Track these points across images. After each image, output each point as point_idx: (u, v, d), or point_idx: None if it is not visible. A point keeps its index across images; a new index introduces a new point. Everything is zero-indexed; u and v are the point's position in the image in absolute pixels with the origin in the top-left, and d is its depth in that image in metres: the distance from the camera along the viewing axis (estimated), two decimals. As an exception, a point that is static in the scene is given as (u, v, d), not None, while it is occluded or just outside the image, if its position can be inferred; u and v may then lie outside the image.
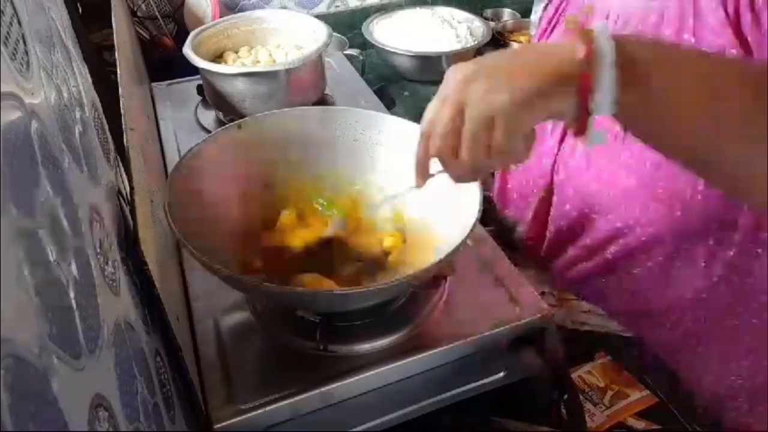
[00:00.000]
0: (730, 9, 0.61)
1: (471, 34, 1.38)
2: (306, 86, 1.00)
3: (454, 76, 0.48)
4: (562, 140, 0.76)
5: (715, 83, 0.47)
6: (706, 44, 0.63)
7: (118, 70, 0.68)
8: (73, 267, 0.33)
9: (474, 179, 0.55)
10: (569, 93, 0.46)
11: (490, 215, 0.90)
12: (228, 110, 0.98)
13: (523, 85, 0.45)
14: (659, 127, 0.49)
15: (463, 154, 0.48)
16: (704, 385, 0.76)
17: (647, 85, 0.45)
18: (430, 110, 0.50)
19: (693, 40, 0.64)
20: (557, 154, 0.77)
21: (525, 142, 0.48)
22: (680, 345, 0.76)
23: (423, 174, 0.54)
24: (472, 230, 0.58)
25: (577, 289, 0.81)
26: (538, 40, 0.86)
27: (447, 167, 0.51)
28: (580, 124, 0.47)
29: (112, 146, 0.63)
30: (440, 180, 0.68)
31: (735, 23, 0.61)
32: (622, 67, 0.44)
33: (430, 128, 0.49)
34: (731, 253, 0.68)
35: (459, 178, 0.52)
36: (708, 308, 0.73)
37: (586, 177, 0.74)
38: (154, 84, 1.11)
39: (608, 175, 0.72)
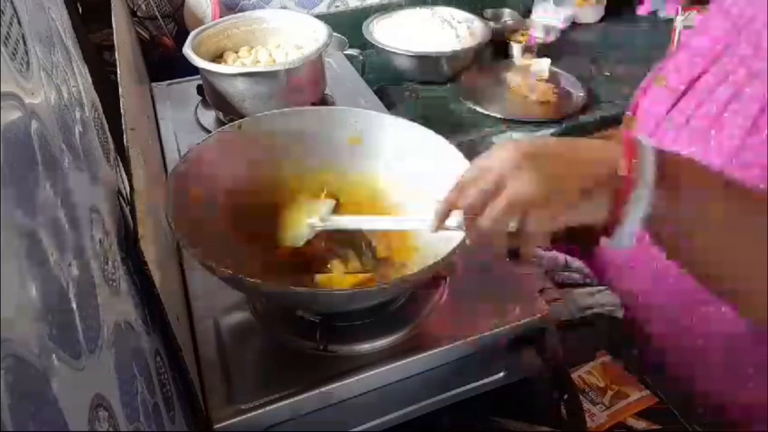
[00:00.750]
0: None
1: (471, 34, 1.38)
2: (306, 86, 1.00)
3: (509, 150, 0.49)
4: None
5: (743, 209, 0.50)
6: None
7: (118, 70, 0.68)
8: (73, 267, 0.33)
9: (489, 245, 0.55)
10: (604, 204, 0.48)
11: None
12: (228, 110, 0.98)
13: (566, 188, 0.48)
14: (686, 246, 0.52)
15: (485, 224, 0.49)
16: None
17: (678, 202, 0.48)
18: (474, 169, 0.51)
19: None
20: None
21: (546, 233, 0.50)
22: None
23: (442, 220, 0.55)
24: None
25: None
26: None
27: (467, 225, 0.52)
28: (609, 230, 0.49)
29: (112, 146, 0.63)
30: (440, 180, 0.68)
31: None
32: (660, 185, 0.47)
33: (467, 185, 0.51)
34: None
35: (474, 240, 0.53)
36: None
37: None
38: (154, 84, 1.11)
39: None
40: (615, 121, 1.18)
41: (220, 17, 1.20)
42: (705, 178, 0.51)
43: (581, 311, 0.76)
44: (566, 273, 0.82)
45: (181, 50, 0.98)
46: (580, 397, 0.67)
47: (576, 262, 0.83)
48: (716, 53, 0.73)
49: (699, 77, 0.74)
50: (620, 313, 0.77)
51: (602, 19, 1.68)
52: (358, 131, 0.74)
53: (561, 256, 0.84)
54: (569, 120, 1.27)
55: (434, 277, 0.64)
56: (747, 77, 0.67)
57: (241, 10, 1.42)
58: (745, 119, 0.65)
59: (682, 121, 0.73)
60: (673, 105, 0.75)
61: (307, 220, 0.66)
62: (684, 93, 0.75)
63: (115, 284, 0.42)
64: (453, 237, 0.58)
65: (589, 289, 0.80)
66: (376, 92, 1.14)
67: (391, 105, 1.28)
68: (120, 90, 0.64)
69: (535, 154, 0.49)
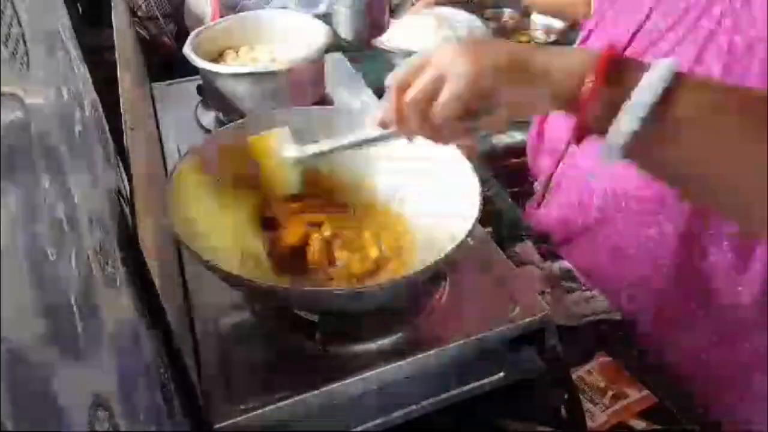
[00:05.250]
0: None
1: (471, 34, 1.37)
2: (306, 86, 1.00)
3: (444, 47, 0.49)
4: None
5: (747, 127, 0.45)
6: None
7: (118, 70, 0.69)
8: (73, 267, 0.33)
9: (446, 143, 0.56)
10: (546, 95, 0.48)
11: (489, 213, 0.90)
12: (228, 110, 0.98)
13: (507, 62, 0.47)
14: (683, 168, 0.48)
15: (436, 119, 0.49)
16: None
17: (671, 140, 0.45)
18: (408, 67, 0.51)
19: None
20: None
21: (502, 120, 0.50)
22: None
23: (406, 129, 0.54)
24: (472, 230, 0.58)
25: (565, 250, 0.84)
26: None
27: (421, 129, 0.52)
28: (576, 137, 0.48)
29: (112, 146, 0.63)
30: (439, 180, 0.68)
31: None
32: (655, 120, 0.43)
33: (404, 84, 0.51)
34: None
35: (431, 138, 0.53)
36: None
37: None
38: (154, 84, 1.11)
39: None
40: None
41: (220, 17, 1.20)
42: (719, 105, 0.46)
43: (577, 319, 0.76)
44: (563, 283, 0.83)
45: (181, 50, 0.97)
46: (580, 397, 0.67)
47: (566, 265, 0.83)
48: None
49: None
50: (618, 315, 0.77)
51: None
52: (358, 131, 0.74)
53: (555, 265, 0.84)
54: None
55: (434, 276, 0.64)
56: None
57: (241, 10, 1.41)
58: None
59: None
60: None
61: (285, 156, 0.66)
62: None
63: (115, 284, 0.42)
64: (453, 236, 0.58)
65: (582, 294, 0.80)
66: (376, 92, 1.14)
67: (391, 105, 1.28)
68: (120, 90, 0.64)
69: (475, 43, 0.50)
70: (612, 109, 0.45)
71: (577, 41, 0.93)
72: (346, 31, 1.23)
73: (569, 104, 0.48)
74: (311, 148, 0.65)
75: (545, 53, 0.49)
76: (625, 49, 0.76)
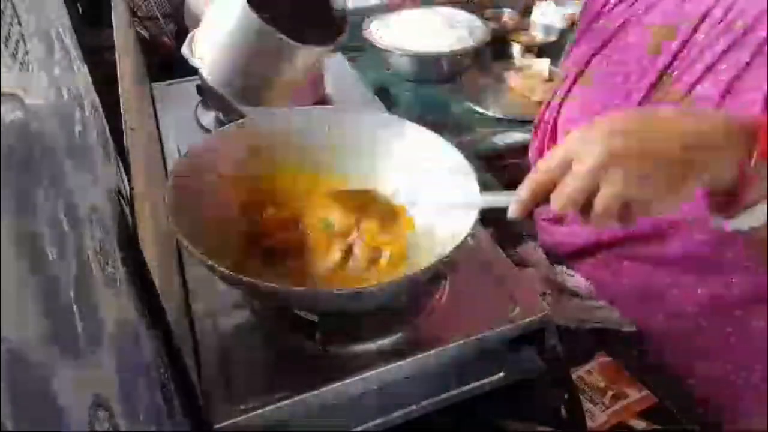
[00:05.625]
0: None
1: (471, 34, 1.38)
2: (306, 86, 1.00)
3: (598, 143, 0.48)
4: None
5: None
6: None
7: (118, 70, 0.68)
8: (73, 267, 0.33)
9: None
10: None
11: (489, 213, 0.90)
12: (228, 110, 0.98)
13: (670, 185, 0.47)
14: None
15: (591, 221, 0.49)
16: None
17: None
18: (552, 162, 0.50)
19: None
20: None
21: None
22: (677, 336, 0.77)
23: (527, 209, 0.53)
24: (472, 230, 0.58)
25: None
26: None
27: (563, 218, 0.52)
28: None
29: (112, 146, 0.63)
30: (439, 180, 0.68)
31: None
32: None
33: (548, 178, 0.50)
34: None
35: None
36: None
37: None
38: (154, 84, 1.11)
39: None
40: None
41: (220, 17, 1.20)
42: None
43: (580, 323, 0.76)
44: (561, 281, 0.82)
45: (180, 50, 0.97)
46: (580, 397, 0.67)
47: (576, 277, 0.83)
48: None
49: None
50: (632, 327, 0.77)
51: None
52: (358, 131, 0.74)
53: (560, 268, 0.84)
54: (569, 120, 1.27)
55: (434, 276, 0.64)
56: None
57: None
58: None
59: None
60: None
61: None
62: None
63: (115, 284, 0.42)
64: (453, 236, 0.58)
65: (589, 303, 0.79)
66: (376, 92, 1.14)
67: (391, 105, 1.28)
68: (120, 90, 0.64)
69: (630, 143, 0.47)
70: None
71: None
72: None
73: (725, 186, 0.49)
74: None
75: (707, 145, 0.48)
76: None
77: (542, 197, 0.52)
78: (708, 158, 0.48)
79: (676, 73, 0.72)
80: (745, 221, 0.49)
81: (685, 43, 0.72)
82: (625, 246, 0.79)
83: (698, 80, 0.69)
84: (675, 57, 0.73)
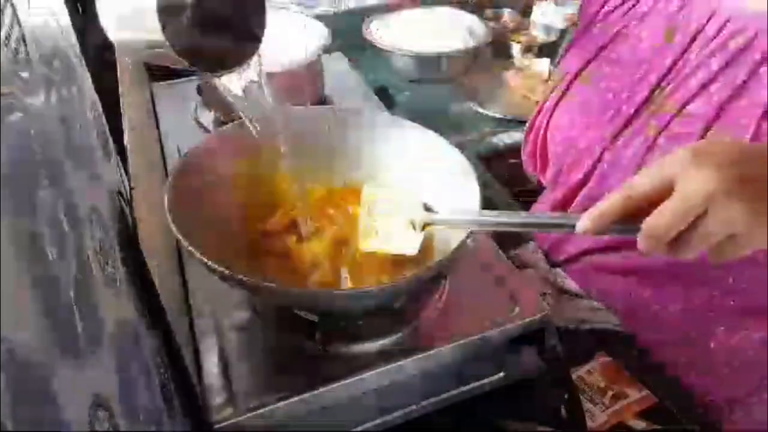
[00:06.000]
0: None
1: (471, 34, 1.38)
2: (305, 87, 1.00)
3: (708, 179, 0.44)
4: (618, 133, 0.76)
5: None
6: None
7: (118, 70, 0.69)
8: (73, 267, 0.33)
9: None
10: None
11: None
12: (228, 110, 0.98)
13: None
14: None
15: (686, 254, 0.46)
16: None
17: None
18: (648, 182, 0.46)
19: None
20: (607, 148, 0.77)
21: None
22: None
23: (606, 225, 0.48)
24: (472, 230, 0.58)
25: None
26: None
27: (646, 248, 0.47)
28: None
29: (112, 146, 0.63)
30: (439, 180, 0.68)
31: None
32: None
33: (640, 201, 0.47)
34: None
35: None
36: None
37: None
38: (154, 84, 1.11)
39: None
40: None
41: (220, 17, 1.20)
42: None
43: (580, 323, 0.76)
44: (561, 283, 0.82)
45: (181, 50, 0.97)
46: (580, 397, 0.67)
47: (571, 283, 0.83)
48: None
49: None
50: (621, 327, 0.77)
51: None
52: (358, 131, 0.74)
53: (558, 269, 0.84)
54: (569, 120, 1.26)
55: (434, 276, 0.64)
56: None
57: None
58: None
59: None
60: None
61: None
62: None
63: (115, 284, 0.42)
64: (453, 236, 0.58)
65: (588, 302, 0.79)
66: (376, 92, 1.14)
67: (391, 105, 1.28)
68: (120, 90, 0.64)
69: (736, 176, 0.44)
70: None
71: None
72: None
73: None
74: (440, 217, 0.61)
75: None
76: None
77: (627, 217, 0.47)
78: None
79: (669, 87, 0.73)
80: None
81: (678, 59, 0.72)
82: (610, 255, 0.78)
83: (692, 97, 0.69)
84: (669, 71, 0.73)
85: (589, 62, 0.82)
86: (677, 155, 0.46)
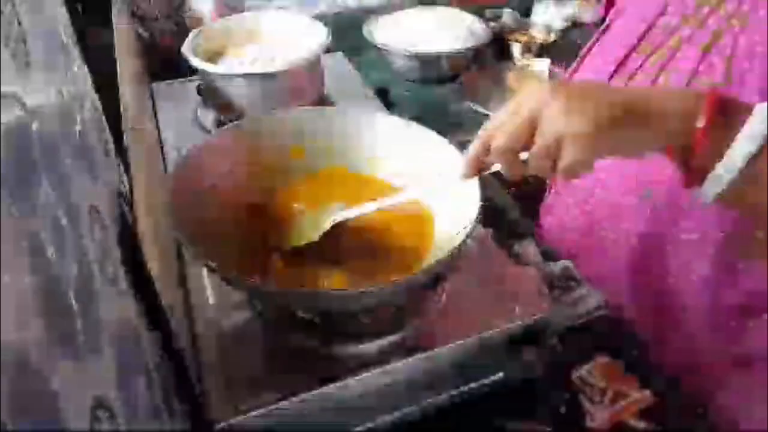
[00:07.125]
0: None
1: (471, 34, 1.38)
2: (305, 87, 1.00)
3: (533, 91, 0.50)
4: None
5: None
6: None
7: (118, 70, 0.69)
8: (73, 267, 0.33)
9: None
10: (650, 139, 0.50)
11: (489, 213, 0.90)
12: (227, 110, 0.98)
13: (604, 115, 0.47)
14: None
15: (529, 164, 0.51)
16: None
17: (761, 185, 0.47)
18: (500, 115, 0.52)
19: None
20: None
21: (589, 162, 0.50)
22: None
23: (474, 169, 0.56)
24: (472, 230, 0.58)
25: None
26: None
27: (506, 167, 0.53)
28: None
29: (112, 146, 0.63)
30: (439, 180, 0.68)
31: None
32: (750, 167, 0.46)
33: (495, 131, 0.52)
34: None
35: (513, 176, 0.54)
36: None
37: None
38: (154, 84, 1.11)
39: None
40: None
41: (220, 17, 1.20)
42: None
43: (572, 320, 0.76)
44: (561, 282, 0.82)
45: (180, 50, 0.97)
46: (580, 397, 0.67)
47: (565, 263, 0.83)
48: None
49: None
50: (606, 311, 0.77)
51: (602, 19, 1.67)
52: (358, 132, 0.74)
53: (556, 265, 0.84)
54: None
55: (434, 277, 0.64)
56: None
57: (242, 11, 1.42)
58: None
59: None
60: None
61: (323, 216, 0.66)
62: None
63: (115, 284, 0.42)
64: (453, 237, 0.58)
65: (575, 294, 0.79)
66: (376, 92, 1.14)
67: (391, 105, 1.28)
68: (120, 90, 0.64)
69: (566, 87, 0.50)
70: (716, 152, 0.47)
71: (596, 34, 0.93)
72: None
73: (676, 146, 0.50)
74: (352, 212, 0.66)
75: (657, 95, 0.51)
76: (639, 41, 0.77)
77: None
78: (662, 99, 0.49)
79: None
80: (709, 190, 0.49)
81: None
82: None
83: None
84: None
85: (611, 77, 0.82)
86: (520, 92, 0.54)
